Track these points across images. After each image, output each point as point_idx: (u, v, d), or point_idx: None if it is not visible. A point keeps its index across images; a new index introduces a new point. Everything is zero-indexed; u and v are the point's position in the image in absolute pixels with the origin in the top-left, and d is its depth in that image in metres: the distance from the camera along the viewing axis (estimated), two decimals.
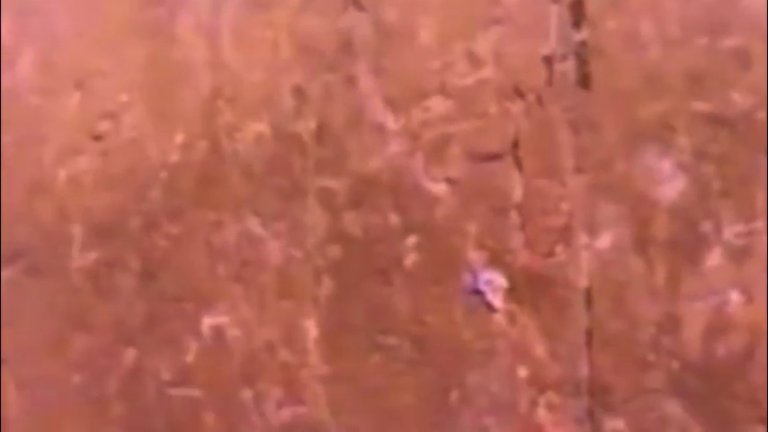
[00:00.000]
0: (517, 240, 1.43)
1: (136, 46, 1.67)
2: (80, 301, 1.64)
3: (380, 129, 1.47)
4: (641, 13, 1.27)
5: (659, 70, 1.28)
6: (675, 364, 1.37)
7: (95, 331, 1.62)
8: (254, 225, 1.53)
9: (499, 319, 1.43)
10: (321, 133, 1.51)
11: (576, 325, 1.40)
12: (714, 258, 1.36)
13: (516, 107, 1.39)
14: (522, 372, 1.42)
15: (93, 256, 1.65)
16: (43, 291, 1.68)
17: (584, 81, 1.36)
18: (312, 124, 1.52)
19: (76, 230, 1.67)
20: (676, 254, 1.37)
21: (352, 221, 1.48)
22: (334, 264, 1.48)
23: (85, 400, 1.63)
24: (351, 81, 1.49)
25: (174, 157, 1.61)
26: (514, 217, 1.40)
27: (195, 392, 1.55)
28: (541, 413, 1.41)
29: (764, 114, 1.21)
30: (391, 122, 1.47)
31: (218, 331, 1.53)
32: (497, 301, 1.43)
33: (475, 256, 1.44)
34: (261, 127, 1.56)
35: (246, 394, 1.52)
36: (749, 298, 1.24)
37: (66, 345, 1.65)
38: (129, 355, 1.60)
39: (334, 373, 1.47)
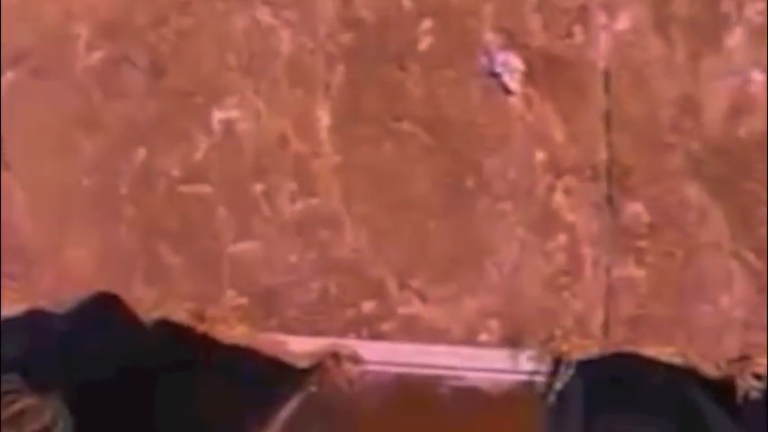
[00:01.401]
0: (534, 21, 1.39)
1: None
2: (87, 102, 1.61)
3: None
4: None
5: None
6: (695, 146, 1.35)
7: (104, 132, 1.59)
8: (264, 14, 1.49)
9: (516, 102, 1.40)
10: None
11: (594, 107, 1.38)
12: (735, 38, 1.33)
13: None
14: (539, 156, 1.40)
15: (99, 54, 1.62)
16: (49, 92, 1.65)
17: None
18: None
19: (81, 29, 1.63)
20: (697, 33, 1.34)
21: (365, 6, 1.44)
22: (347, 51, 1.45)
23: (96, 202, 1.61)
24: None
25: None
26: None
27: (206, 189, 1.53)
28: (558, 198, 1.39)
29: None
30: None
31: (229, 125, 1.50)
32: (514, 83, 1.40)
33: (491, 37, 1.41)
34: None
35: (258, 188, 1.50)
36: None
37: (74, 147, 1.62)
38: (139, 154, 1.58)
39: (347, 163, 1.45)
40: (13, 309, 1.49)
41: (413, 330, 1.45)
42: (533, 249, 1.39)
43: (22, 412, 1.27)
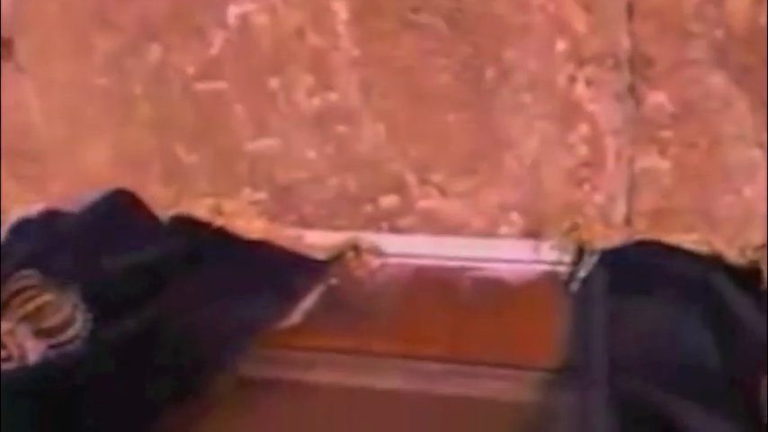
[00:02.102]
0: None
1: None
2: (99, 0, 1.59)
3: None
4: None
5: None
6: (719, 34, 1.33)
7: (117, 30, 1.57)
8: None
9: None
10: None
11: None
12: None
13: None
14: (561, 46, 1.38)
15: None
16: None
17: None
18: None
19: None
20: None
21: None
22: None
23: (110, 102, 1.60)
24: None
25: None
26: None
27: (222, 85, 1.51)
28: (580, 89, 1.37)
29: None
30: None
31: (245, 20, 1.48)
32: None
33: None
34: None
35: (275, 83, 1.48)
36: None
37: (87, 46, 1.60)
38: (153, 51, 1.56)
39: (365, 56, 1.43)
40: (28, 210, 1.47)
41: (432, 225, 1.44)
42: (554, 141, 1.37)
43: (40, 308, 1.26)
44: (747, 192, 1.33)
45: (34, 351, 1.25)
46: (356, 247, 1.40)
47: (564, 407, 1.11)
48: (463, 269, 1.32)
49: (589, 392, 1.02)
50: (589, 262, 1.22)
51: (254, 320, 1.26)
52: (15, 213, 1.47)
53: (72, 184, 1.62)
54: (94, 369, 1.19)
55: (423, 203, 1.45)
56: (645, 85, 1.35)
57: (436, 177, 1.44)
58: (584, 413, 1.04)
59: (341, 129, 1.47)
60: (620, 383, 1.02)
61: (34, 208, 1.49)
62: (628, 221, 1.36)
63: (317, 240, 1.40)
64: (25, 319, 1.27)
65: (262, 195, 1.52)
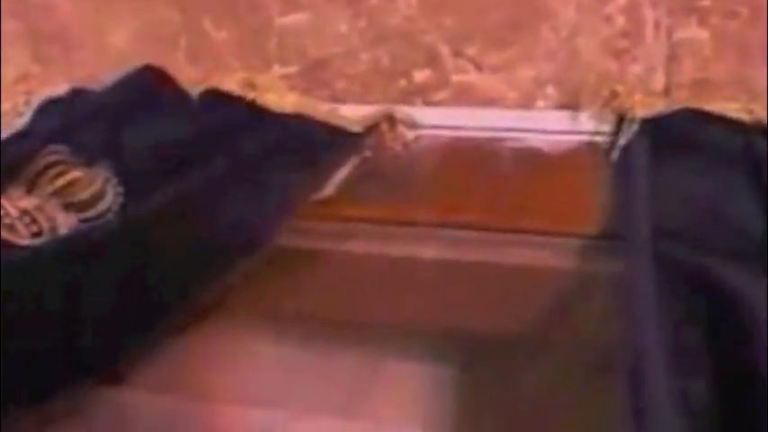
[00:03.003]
0: None
1: None
2: None
3: None
4: None
5: None
6: None
7: None
8: None
9: None
10: None
11: None
12: None
13: None
14: None
15: None
16: None
17: None
18: None
19: None
20: None
21: None
22: None
23: None
24: None
25: None
26: None
27: None
28: None
29: None
30: None
31: None
32: None
33: None
34: None
35: None
36: None
37: None
38: None
39: None
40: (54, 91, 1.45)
41: (467, 99, 1.42)
42: (592, 12, 1.34)
43: (71, 183, 1.25)
44: None
45: (65, 225, 1.24)
46: (390, 119, 1.38)
47: (606, 273, 1.09)
48: (500, 140, 1.29)
49: (632, 258, 1.01)
50: (629, 130, 1.20)
51: (289, 193, 1.25)
52: (41, 95, 1.45)
53: (98, 65, 1.59)
54: (126, 242, 1.17)
55: (457, 78, 1.42)
56: None
57: (471, 50, 1.41)
58: (627, 278, 1.02)
59: (373, 1, 1.43)
60: (663, 248, 1.00)
61: (60, 88, 1.47)
62: (667, 92, 1.33)
63: (351, 113, 1.37)
64: (55, 194, 1.26)
65: (292, 71, 1.49)
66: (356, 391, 1.22)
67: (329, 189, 1.29)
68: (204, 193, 1.21)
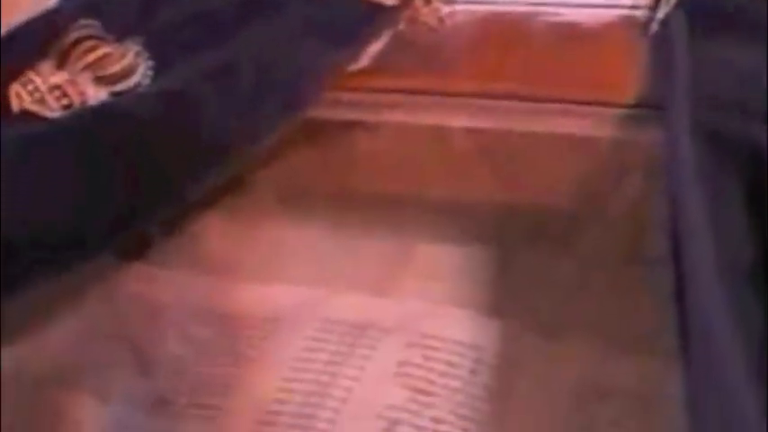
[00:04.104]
0: None
1: None
2: None
3: None
4: None
5: None
6: None
7: None
8: None
9: None
10: None
11: None
12: None
13: None
14: None
15: None
16: None
17: None
18: None
19: None
20: None
21: None
22: None
23: None
24: None
25: None
26: None
27: None
28: None
29: None
30: None
31: None
32: None
33: None
34: None
35: None
36: None
37: None
38: None
39: None
40: None
41: None
42: None
43: (102, 57, 1.24)
44: None
45: (96, 99, 1.24)
46: None
47: (645, 142, 1.08)
48: (536, 14, 1.27)
49: (673, 126, 0.99)
50: (668, 3, 1.18)
51: (323, 65, 1.23)
52: None
53: None
54: (158, 114, 1.16)
55: None
56: None
57: None
58: (667, 149, 1.00)
59: None
60: (704, 117, 0.99)
61: None
62: None
63: None
64: (86, 68, 1.25)
65: None
66: (388, 272, 1.21)
67: (363, 60, 1.27)
68: (239, 63, 1.19)
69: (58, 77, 1.23)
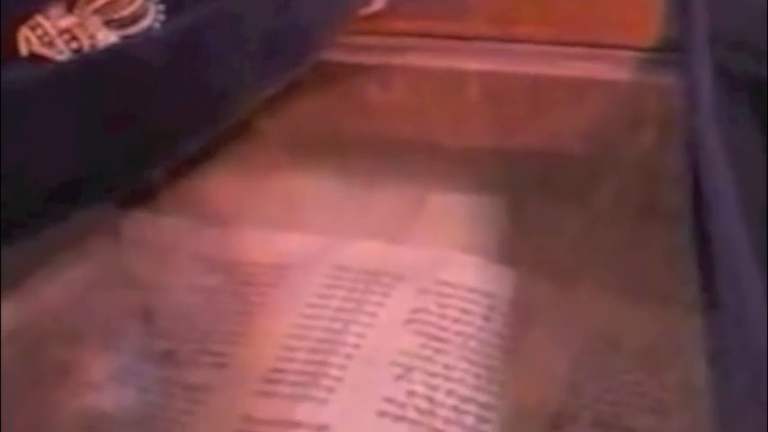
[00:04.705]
0: None
1: None
2: None
3: None
4: None
5: None
6: None
7: None
8: None
9: None
10: None
11: None
12: None
13: None
14: None
15: None
16: None
17: None
18: None
19: None
20: None
21: None
22: None
23: None
24: None
25: None
26: None
27: None
28: None
29: None
30: None
31: None
32: None
33: None
34: None
35: None
36: None
37: None
38: None
39: None
40: None
41: None
42: None
43: (112, 1, 1.22)
44: None
45: (106, 42, 1.22)
46: None
47: (664, 85, 1.06)
48: None
49: (693, 68, 0.97)
50: None
51: (337, 9, 1.21)
52: None
53: None
54: (167, 58, 1.14)
55: None
56: None
57: None
58: (688, 88, 0.98)
59: None
60: (726, 59, 0.96)
61: None
62: None
63: None
64: (96, 12, 1.23)
65: None
66: (400, 219, 1.20)
67: (378, 3, 1.25)
68: (251, 7, 1.17)
69: (68, 21, 1.21)
